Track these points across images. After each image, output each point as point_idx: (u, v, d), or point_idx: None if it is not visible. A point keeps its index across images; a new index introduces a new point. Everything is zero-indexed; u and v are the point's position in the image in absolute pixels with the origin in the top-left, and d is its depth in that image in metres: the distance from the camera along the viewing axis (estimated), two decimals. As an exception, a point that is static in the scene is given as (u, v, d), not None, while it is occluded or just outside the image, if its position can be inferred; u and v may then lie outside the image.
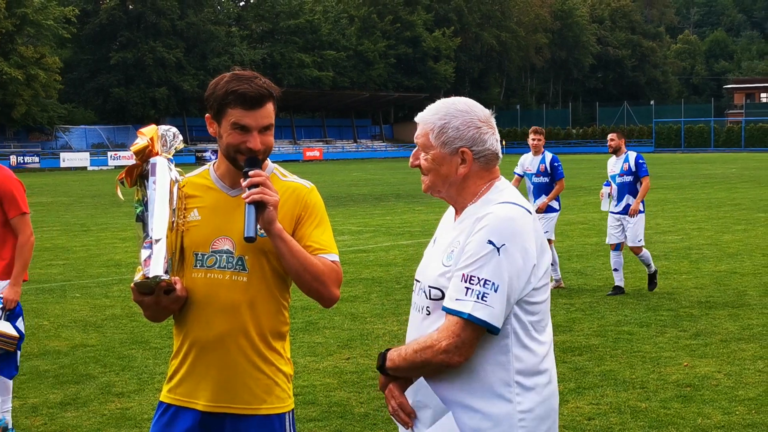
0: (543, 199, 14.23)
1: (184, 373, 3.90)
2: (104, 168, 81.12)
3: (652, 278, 13.73)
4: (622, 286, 13.57)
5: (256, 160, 3.68)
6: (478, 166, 3.47)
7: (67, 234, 23.48)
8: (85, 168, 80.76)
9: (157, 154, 3.87)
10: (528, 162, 14.57)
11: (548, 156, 14.43)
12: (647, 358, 9.62)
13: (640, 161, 13.98)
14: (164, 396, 3.97)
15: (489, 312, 3.21)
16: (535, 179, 14.41)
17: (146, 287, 3.66)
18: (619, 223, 13.98)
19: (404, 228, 23.28)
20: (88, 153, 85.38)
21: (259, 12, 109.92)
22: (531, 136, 14.56)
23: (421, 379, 3.51)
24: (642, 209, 13.98)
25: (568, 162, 70.17)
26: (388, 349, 3.47)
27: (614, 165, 14.12)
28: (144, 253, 3.66)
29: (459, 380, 3.36)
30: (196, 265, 3.84)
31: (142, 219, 3.77)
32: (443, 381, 3.38)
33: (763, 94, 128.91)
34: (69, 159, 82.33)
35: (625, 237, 13.91)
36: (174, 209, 3.81)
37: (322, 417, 7.88)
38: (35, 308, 13.14)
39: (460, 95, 3.70)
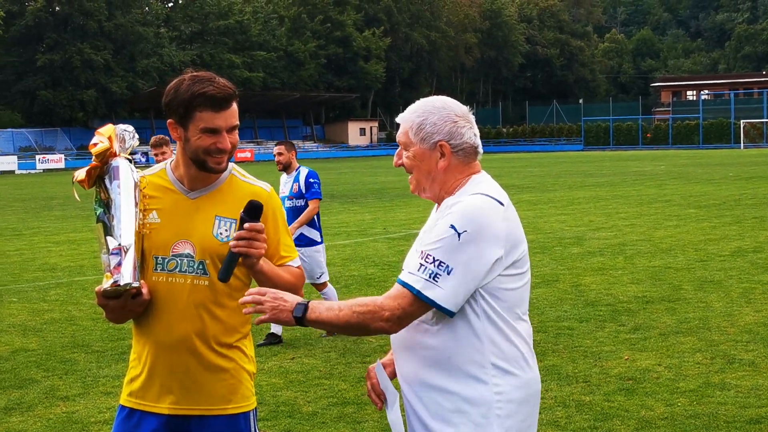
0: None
1: (146, 376, 3.90)
2: (32, 171, 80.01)
3: (272, 337, 10.90)
4: (279, 334, 10.94)
5: (256, 210, 3.65)
6: (458, 159, 3.57)
7: (-1, 238, 23.17)
8: (13, 172, 79.58)
9: (116, 154, 3.85)
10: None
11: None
12: (588, 353, 9.76)
13: (311, 180, 11.32)
14: (125, 399, 3.96)
15: (438, 293, 3.31)
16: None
17: (116, 294, 3.67)
18: None
19: (340, 228, 23.28)
20: (15, 156, 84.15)
21: (187, 13, 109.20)
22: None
23: (379, 363, 3.70)
24: (319, 240, 11.50)
25: (498, 161, 71.00)
26: (306, 300, 3.47)
27: (284, 185, 11.53)
28: (113, 260, 3.65)
29: (435, 363, 3.45)
30: (156, 269, 3.84)
31: (103, 221, 3.74)
32: (421, 364, 3.48)
33: (689, 92, 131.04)
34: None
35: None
36: (137, 212, 3.81)
37: (270, 417, 7.90)
38: (-28, 314, 12.96)
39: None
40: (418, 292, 3.31)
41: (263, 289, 3.48)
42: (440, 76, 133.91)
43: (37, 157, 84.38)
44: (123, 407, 3.96)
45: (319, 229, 11.56)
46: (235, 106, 3.77)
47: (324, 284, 11.46)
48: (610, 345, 10.08)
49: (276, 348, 10.48)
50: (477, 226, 3.34)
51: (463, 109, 3.62)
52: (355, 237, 21.12)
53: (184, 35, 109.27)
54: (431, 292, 3.30)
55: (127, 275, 3.62)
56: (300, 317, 3.40)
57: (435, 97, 3.68)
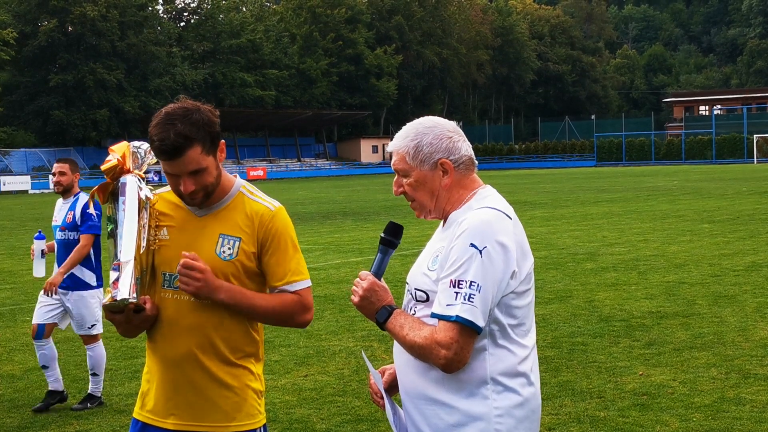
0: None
1: (154, 390, 3.96)
2: (45, 191, 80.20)
3: (86, 399, 9.16)
4: (61, 389, 9.17)
5: (396, 230, 3.71)
6: (459, 174, 3.59)
7: (12, 258, 23.21)
8: (27, 191, 79.83)
9: (129, 171, 3.89)
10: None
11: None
12: (602, 368, 9.72)
13: (89, 211, 9.01)
14: (137, 413, 4.02)
15: (474, 312, 3.32)
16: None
17: (115, 308, 3.73)
18: (58, 299, 9.22)
19: (353, 245, 23.29)
20: (29, 176, 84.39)
21: (200, 32, 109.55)
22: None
23: (372, 369, 3.75)
24: (95, 283, 9.23)
25: (511, 177, 70.97)
26: (393, 307, 3.56)
27: (58, 212, 9.39)
28: (112, 275, 3.72)
29: (436, 377, 3.45)
30: (164, 285, 3.90)
31: (113, 236, 3.80)
32: (422, 378, 3.49)
33: (701, 107, 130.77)
34: (10, 183, 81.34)
35: (70, 319, 9.38)
36: (145, 227, 3.85)
37: (283, 434, 7.88)
38: (-15, 333, 12.99)
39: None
40: (457, 316, 3.31)
41: (364, 274, 3.60)
42: (452, 93, 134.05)
43: (50, 176, 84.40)
44: (135, 420, 4.03)
45: (95, 270, 9.24)
46: (192, 153, 3.73)
47: (95, 338, 9.28)
48: (624, 360, 10.04)
49: (289, 365, 10.46)
50: (494, 240, 3.36)
51: (452, 125, 3.65)
52: (368, 254, 21.10)
53: (196, 54, 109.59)
54: (468, 313, 3.31)
55: (124, 290, 3.69)
56: (382, 322, 3.55)
57: (421, 118, 3.69)
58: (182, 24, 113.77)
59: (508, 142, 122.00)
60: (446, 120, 3.65)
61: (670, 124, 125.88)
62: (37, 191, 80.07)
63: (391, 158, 3.68)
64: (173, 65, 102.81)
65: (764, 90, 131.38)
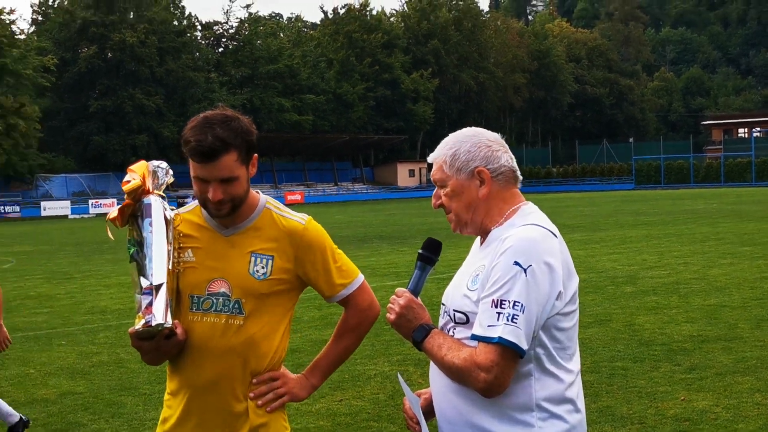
0: None
1: (178, 416, 3.81)
2: (85, 216, 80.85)
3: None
4: (17, 417, 8.77)
5: (435, 247, 3.62)
6: (498, 185, 3.43)
7: (50, 282, 23.29)
8: (66, 216, 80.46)
9: (149, 191, 3.76)
10: None
11: None
12: (643, 393, 9.53)
13: None
14: None
15: (518, 334, 3.14)
16: None
17: (148, 335, 3.57)
18: None
19: (390, 269, 23.17)
20: (68, 201, 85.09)
21: (238, 58, 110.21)
22: None
23: (408, 392, 3.59)
24: None
25: (549, 201, 70.74)
26: (431, 326, 3.42)
27: None
28: (144, 300, 3.55)
29: (479, 403, 3.28)
30: (192, 308, 3.76)
31: (136, 259, 3.64)
32: (463, 403, 3.32)
33: (740, 130, 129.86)
34: (50, 207, 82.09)
35: None
36: (170, 250, 3.72)
37: (318, 460, 7.76)
38: (21, 356, 12.97)
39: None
40: (499, 338, 3.13)
41: (400, 291, 3.50)
42: (489, 116, 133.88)
43: (90, 201, 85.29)
44: None
45: None
46: (227, 159, 3.61)
47: None
48: (665, 385, 9.84)
49: (324, 390, 10.32)
50: (540, 259, 3.19)
51: (495, 135, 3.50)
52: (404, 278, 20.97)
53: (234, 80, 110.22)
54: (511, 335, 3.13)
55: (159, 315, 3.52)
56: (419, 341, 3.41)
57: (464, 129, 3.56)
58: (220, 50, 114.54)
59: (545, 165, 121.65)
60: (489, 131, 3.52)
61: (708, 147, 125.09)
62: (76, 216, 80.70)
63: (430, 169, 3.54)
64: (211, 91, 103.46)
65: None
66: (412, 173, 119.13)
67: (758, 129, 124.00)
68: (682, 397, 9.28)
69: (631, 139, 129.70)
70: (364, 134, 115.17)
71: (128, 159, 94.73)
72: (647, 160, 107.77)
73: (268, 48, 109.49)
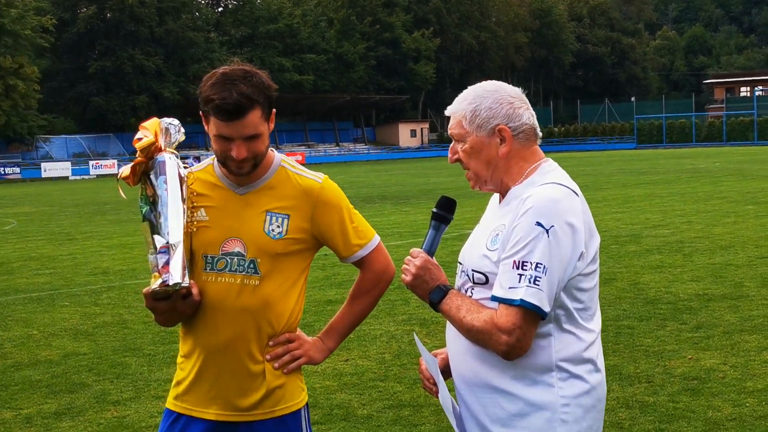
0: None
1: (192, 379, 3.71)
2: (86, 177, 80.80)
3: None
4: None
5: (450, 205, 3.54)
6: (519, 144, 3.31)
7: (52, 243, 23.24)
8: (67, 177, 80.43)
9: (161, 149, 3.64)
10: None
11: None
12: (650, 352, 9.48)
13: None
14: (171, 403, 3.78)
15: (540, 296, 3.06)
16: None
17: (164, 294, 3.46)
18: None
19: (393, 229, 23.10)
20: (69, 162, 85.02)
21: (237, 17, 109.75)
22: None
23: (425, 353, 3.53)
24: None
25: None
26: (448, 286, 3.33)
27: None
28: (161, 259, 3.44)
29: (498, 364, 3.21)
30: (206, 269, 3.65)
31: (150, 218, 3.52)
32: (482, 365, 3.24)
33: (743, 88, 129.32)
34: (50, 169, 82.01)
35: None
36: (185, 209, 3.61)
37: (324, 420, 7.71)
38: (24, 318, 12.93)
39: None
40: (521, 300, 3.05)
41: (416, 251, 3.39)
42: (490, 76, 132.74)
43: (91, 162, 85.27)
44: (170, 411, 3.78)
45: None
46: (253, 116, 3.49)
47: None
48: (672, 344, 9.78)
49: (329, 350, 10.27)
50: (562, 219, 3.10)
51: (516, 90, 3.37)
52: (407, 238, 20.91)
53: (234, 40, 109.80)
54: (534, 297, 3.05)
55: (176, 274, 3.41)
56: (436, 303, 3.32)
57: (484, 82, 3.41)
58: (220, 9, 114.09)
59: (547, 125, 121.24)
60: (511, 86, 3.39)
61: (710, 106, 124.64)
62: (77, 177, 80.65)
63: (448, 122, 3.42)
64: (211, 51, 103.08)
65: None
66: (413, 133, 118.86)
67: (761, 88, 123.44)
68: (690, 356, 9.22)
69: (632, 99, 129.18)
70: (365, 94, 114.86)
71: (128, 120, 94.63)
72: (649, 119, 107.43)
73: (268, 7, 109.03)
